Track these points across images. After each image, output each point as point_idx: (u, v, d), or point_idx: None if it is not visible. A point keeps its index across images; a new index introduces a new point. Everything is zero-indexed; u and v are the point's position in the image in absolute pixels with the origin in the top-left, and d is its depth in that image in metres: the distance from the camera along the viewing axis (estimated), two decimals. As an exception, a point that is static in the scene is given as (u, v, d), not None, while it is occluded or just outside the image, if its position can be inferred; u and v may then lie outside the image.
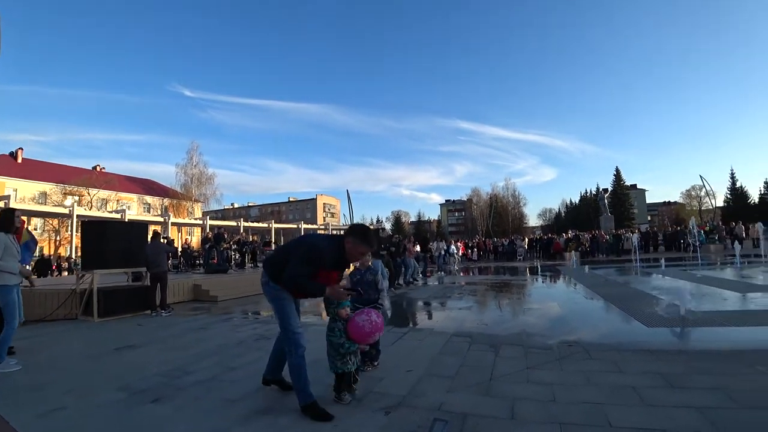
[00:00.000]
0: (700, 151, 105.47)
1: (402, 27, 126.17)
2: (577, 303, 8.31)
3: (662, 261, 13.64)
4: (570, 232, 21.67)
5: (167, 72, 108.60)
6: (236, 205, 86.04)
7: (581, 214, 67.42)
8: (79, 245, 9.99)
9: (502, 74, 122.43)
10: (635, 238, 19.54)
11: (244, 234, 20.67)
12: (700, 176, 37.34)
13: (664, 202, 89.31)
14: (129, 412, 3.15)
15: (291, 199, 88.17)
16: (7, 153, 45.50)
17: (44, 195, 41.25)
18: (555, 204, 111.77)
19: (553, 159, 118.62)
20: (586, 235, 26.72)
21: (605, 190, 59.34)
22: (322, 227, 39.91)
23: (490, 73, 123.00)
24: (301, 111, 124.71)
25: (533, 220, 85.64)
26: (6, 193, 20.81)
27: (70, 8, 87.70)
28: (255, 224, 34.90)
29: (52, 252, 37.59)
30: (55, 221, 37.82)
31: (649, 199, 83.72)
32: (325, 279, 2.99)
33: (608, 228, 29.82)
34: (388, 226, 78.60)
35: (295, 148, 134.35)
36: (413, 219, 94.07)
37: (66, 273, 23.63)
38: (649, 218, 75.03)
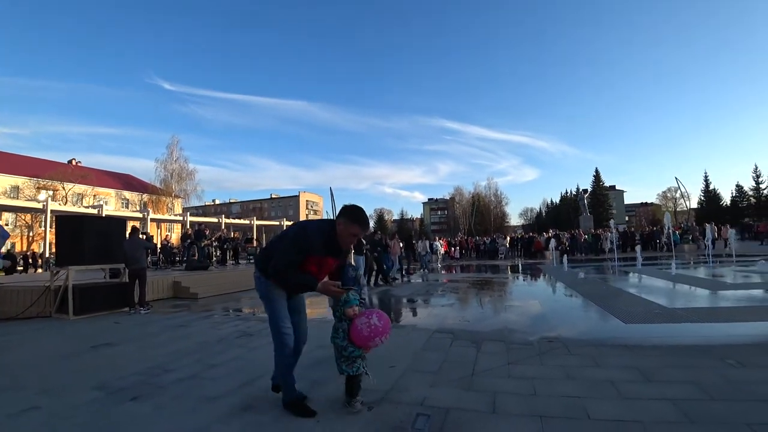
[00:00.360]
0: (676, 154, 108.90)
1: (387, 26, 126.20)
2: (558, 301, 8.47)
3: (639, 260, 13.98)
4: (550, 231, 22.00)
5: (146, 64, 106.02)
6: (217, 202, 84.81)
7: (562, 214, 68.75)
8: (54, 241, 9.70)
9: (487, 76, 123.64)
10: (613, 237, 19.99)
11: (225, 231, 20.37)
12: (676, 178, 38.52)
13: (642, 203, 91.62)
14: (106, 412, 3.08)
15: (273, 196, 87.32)
16: (-23, 145, 43.81)
17: (16, 189, 39.88)
18: (536, 204, 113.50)
19: (535, 160, 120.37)
20: (566, 235, 27.22)
21: (585, 191, 60.57)
22: (305, 224, 39.63)
23: (476, 74, 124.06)
24: (284, 107, 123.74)
25: (515, 220, 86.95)
26: (-25, 187, 20.13)
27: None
28: (236, 221, 34.47)
29: (25, 248, 36.42)
30: (28, 216, 36.62)
31: (628, 200, 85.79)
32: (317, 267, 2.84)
33: (587, 227, 30.41)
34: (371, 223, 78.56)
35: (278, 145, 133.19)
36: (396, 217, 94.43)
37: (40, 270, 22.94)
38: (627, 218, 76.90)
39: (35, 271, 22.88)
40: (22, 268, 24.91)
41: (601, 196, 66.99)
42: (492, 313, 6.96)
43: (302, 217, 73.31)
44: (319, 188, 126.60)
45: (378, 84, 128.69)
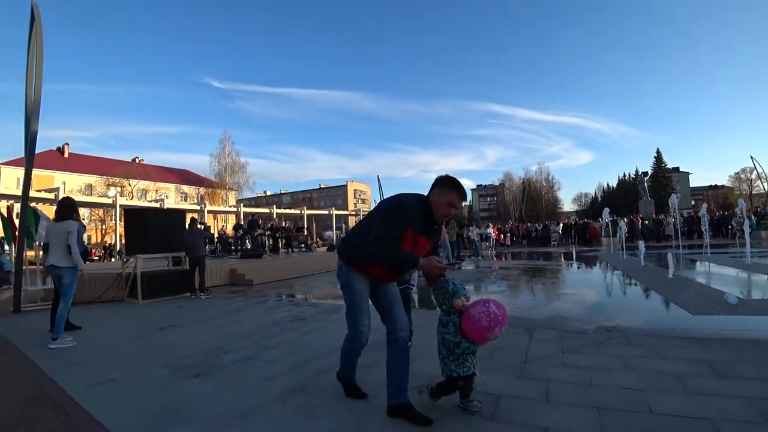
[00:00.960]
0: (751, 131, 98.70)
1: (427, 9, 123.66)
2: (616, 289, 8.08)
3: (707, 247, 12.98)
4: (607, 216, 20.87)
5: (196, 64, 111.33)
6: (269, 193, 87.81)
7: (619, 199, 64.91)
8: (123, 233, 10.51)
9: (534, 55, 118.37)
10: (677, 222, 18.65)
11: (276, 220, 21.09)
12: (751, 158, 34.62)
13: (711, 185, 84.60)
14: (172, 387, 3.31)
15: (322, 186, 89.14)
16: (55, 148, 48.04)
17: (90, 187, 43.44)
18: (591, 188, 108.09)
19: (589, 142, 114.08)
20: (624, 220, 25.75)
21: (645, 174, 56.79)
22: (353, 213, 40.07)
23: (522, 54, 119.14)
24: (327, 98, 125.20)
25: (568, 205, 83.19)
26: (55, 186, 22.10)
27: (98, 10, 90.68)
28: (287, 211, 35.49)
29: (99, 240, 39.78)
30: (101, 211, 39.77)
31: (693, 182, 79.53)
32: (411, 246, 2.51)
33: (648, 213, 28.60)
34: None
35: (324, 135, 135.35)
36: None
37: (113, 259, 24.94)
38: (693, 203, 71.39)
39: (109, 260, 24.89)
40: (98, 258, 27.19)
41: (663, 178, 62.53)
42: (545, 301, 6.75)
43: (351, 207, 74.20)
44: (366, 177, 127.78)
45: (417, 70, 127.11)
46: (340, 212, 38.35)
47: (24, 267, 7.65)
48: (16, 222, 8.10)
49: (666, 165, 65.07)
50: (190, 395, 3.10)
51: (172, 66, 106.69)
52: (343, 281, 2.71)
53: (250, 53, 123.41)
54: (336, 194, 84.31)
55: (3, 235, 10.89)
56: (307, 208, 30.88)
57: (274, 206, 31.89)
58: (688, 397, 2.67)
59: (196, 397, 3.05)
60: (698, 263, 11.43)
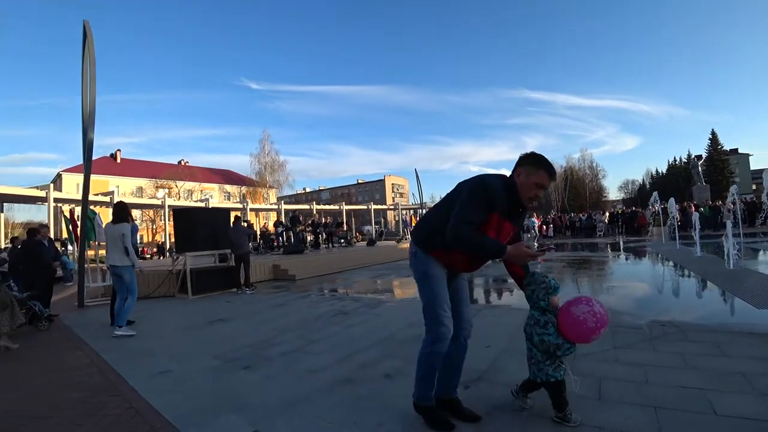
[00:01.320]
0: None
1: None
2: (670, 281, 7.66)
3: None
4: (656, 204, 19.77)
5: (235, 68, 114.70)
6: (308, 190, 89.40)
7: (669, 185, 61.42)
8: (172, 231, 11.05)
9: (571, 36, 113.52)
10: (737, 210, 17.41)
11: (317, 216, 21.49)
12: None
13: (775, 167, 78.41)
14: (225, 377, 3.46)
15: (360, 181, 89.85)
16: (109, 155, 51.12)
17: (140, 189, 45.98)
18: (638, 175, 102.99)
19: (635, 126, 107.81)
20: (676, 207, 24.36)
21: (699, 157, 53.24)
22: (392, 207, 40.16)
23: (559, 36, 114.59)
24: (362, 93, 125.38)
25: (613, 193, 79.55)
26: (110, 189, 23.61)
27: (140, 24, 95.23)
28: (327, 207, 36.15)
29: (150, 239, 42.07)
30: (151, 211, 41.99)
31: (754, 164, 73.89)
32: (495, 233, 2.24)
33: (703, 199, 26.92)
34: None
35: (360, 131, 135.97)
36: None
37: (161, 257, 26.32)
38: (754, 187, 66.42)
39: (161, 258, 26.28)
40: (149, 255, 28.74)
41: (720, 161, 58.43)
42: (593, 294, 6.48)
43: (389, 201, 74.27)
44: (403, 171, 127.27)
45: (452, 59, 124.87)
46: (379, 207, 38.61)
47: (85, 265, 8.19)
48: (78, 224, 8.70)
49: (722, 147, 60.69)
50: (241, 386, 3.22)
51: (211, 72, 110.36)
52: (421, 270, 2.39)
53: (284, 54, 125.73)
54: (374, 189, 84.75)
55: (67, 236, 11.71)
56: (345, 204, 31.28)
57: (314, 202, 32.53)
58: (758, 398, 2.48)
59: (246, 388, 3.17)
60: (762, 253, 10.63)
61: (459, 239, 2.15)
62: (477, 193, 2.18)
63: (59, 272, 12.29)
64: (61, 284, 12.90)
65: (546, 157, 2.31)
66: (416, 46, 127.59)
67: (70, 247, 14.63)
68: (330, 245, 18.29)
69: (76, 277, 10.37)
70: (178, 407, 2.85)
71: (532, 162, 2.27)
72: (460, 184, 2.39)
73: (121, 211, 5.74)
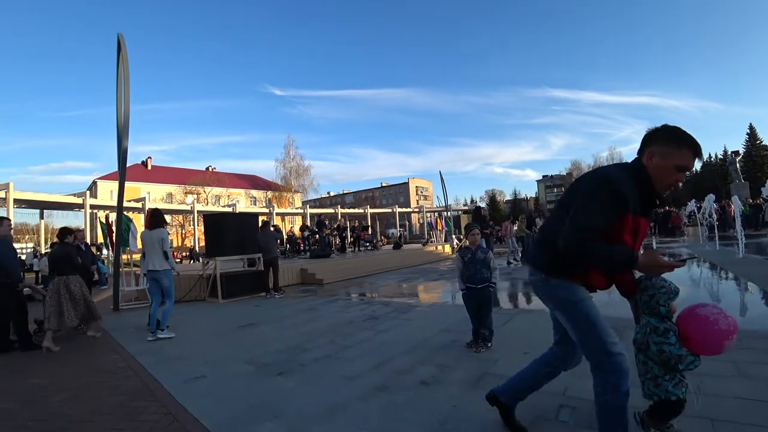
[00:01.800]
0: None
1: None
2: (713, 284, 7.29)
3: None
4: (691, 202, 18.96)
5: (259, 75, 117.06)
6: (332, 194, 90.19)
7: (704, 183, 58.98)
8: (202, 236, 11.28)
9: (595, 32, 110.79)
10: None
11: (342, 220, 21.58)
12: None
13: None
14: (259, 383, 3.43)
15: (383, 185, 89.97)
16: (140, 162, 52.85)
17: (170, 195, 47.26)
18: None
19: (665, 122, 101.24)
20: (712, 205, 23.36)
21: (736, 153, 50.86)
22: (416, 210, 40.00)
23: (582, 33, 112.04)
24: (385, 97, 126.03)
25: (644, 193, 77.02)
26: (142, 196, 24.40)
27: (166, 37, 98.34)
28: (351, 210, 36.28)
29: (179, 243, 43.18)
30: (180, 217, 43.11)
31: (798, 159, 70.19)
32: (631, 236, 1.83)
33: (742, 197, 25.70)
34: (483, 205, 76.77)
35: (383, 134, 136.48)
36: (508, 197, 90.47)
37: (192, 261, 26.93)
38: (796, 184, 63.14)
39: (191, 262, 26.92)
40: (179, 260, 29.49)
41: (759, 157, 55.71)
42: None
43: (413, 204, 73.89)
44: (427, 173, 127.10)
45: (470, 58, 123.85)
46: (403, 210, 38.54)
47: (120, 269, 8.41)
48: (113, 229, 8.96)
49: (762, 142, 57.91)
50: (276, 392, 3.19)
51: (237, 80, 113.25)
52: (560, 298, 1.94)
53: (308, 60, 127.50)
54: (398, 192, 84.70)
55: (103, 241, 12.09)
56: (370, 207, 31.31)
57: (339, 206, 32.71)
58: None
59: (282, 394, 3.13)
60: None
61: (576, 251, 1.73)
62: (598, 192, 1.75)
63: (95, 276, 12.70)
64: (97, 288, 13.34)
65: (683, 128, 1.81)
66: (436, 48, 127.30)
67: (104, 252, 15.12)
68: (356, 249, 18.33)
69: (110, 281, 10.70)
70: (215, 414, 2.83)
71: (672, 138, 1.78)
72: (576, 183, 1.95)
73: (157, 218, 5.89)
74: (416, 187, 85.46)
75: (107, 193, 41.26)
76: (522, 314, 5.52)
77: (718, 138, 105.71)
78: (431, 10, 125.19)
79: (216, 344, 5.03)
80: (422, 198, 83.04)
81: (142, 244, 5.79)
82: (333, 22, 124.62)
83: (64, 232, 6.19)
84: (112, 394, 3.40)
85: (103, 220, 10.45)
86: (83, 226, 17.19)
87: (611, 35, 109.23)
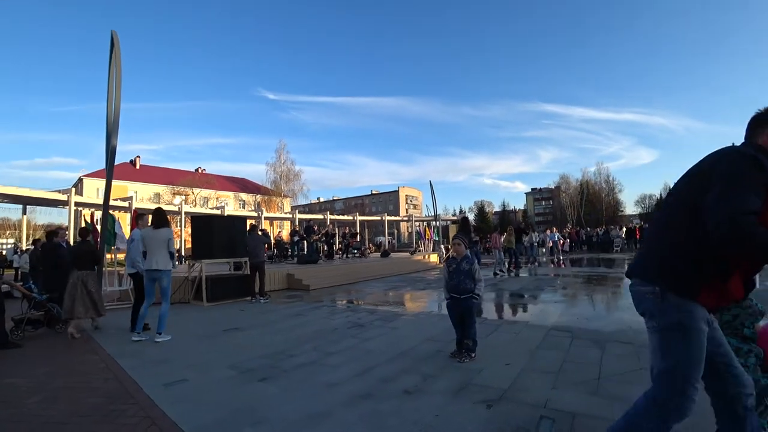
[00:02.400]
0: None
1: (476, 5, 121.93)
2: None
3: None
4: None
5: (252, 78, 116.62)
6: (322, 199, 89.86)
7: (689, 201, 60.10)
8: (188, 238, 11.18)
9: (587, 49, 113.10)
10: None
11: (331, 226, 21.52)
12: None
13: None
14: (242, 388, 3.41)
15: (374, 192, 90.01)
16: (128, 161, 52.20)
17: (158, 195, 46.65)
18: (656, 190, 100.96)
19: (652, 139, 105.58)
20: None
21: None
22: (405, 218, 40.08)
23: (575, 49, 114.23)
24: (378, 105, 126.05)
25: (630, 208, 78.12)
26: (129, 195, 24.07)
27: (160, 35, 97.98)
28: (340, 217, 36.17)
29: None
30: (167, 218, 42.60)
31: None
32: None
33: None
34: (471, 216, 77.12)
35: (375, 142, 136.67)
36: (497, 209, 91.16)
37: (179, 263, 26.58)
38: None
39: (177, 264, 26.53)
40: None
41: (741, 177, 57.08)
42: (612, 312, 6.32)
43: (402, 212, 74.09)
44: (417, 182, 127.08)
45: (466, 71, 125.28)
46: (393, 218, 38.53)
47: (104, 269, 8.27)
48: (98, 228, 8.82)
49: (743, 163, 59.45)
50: (259, 398, 3.17)
51: (229, 81, 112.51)
52: (674, 320, 1.64)
53: (301, 65, 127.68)
54: (388, 200, 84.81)
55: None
56: (359, 214, 31.26)
57: (328, 212, 32.57)
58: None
59: (264, 400, 3.11)
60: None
61: (737, 237, 1.43)
62: (743, 169, 1.51)
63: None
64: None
65: None
66: (432, 58, 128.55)
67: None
68: (346, 256, 18.28)
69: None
70: (196, 419, 2.81)
71: None
72: (698, 168, 1.73)
73: (162, 218, 5.87)
74: (406, 195, 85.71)
75: (93, 191, 40.66)
76: (506, 325, 5.56)
77: (703, 155, 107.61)
78: (429, 20, 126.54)
79: (199, 348, 4.97)
80: (412, 207, 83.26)
81: (145, 244, 5.70)
82: (329, 27, 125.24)
83: (83, 231, 6.47)
84: (89, 396, 3.34)
85: (88, 219, 10.30)
86: (67, 224, 16.87)
87: (602, 53, 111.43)
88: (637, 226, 29.44)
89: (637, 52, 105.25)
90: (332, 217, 29.91)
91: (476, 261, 4.23)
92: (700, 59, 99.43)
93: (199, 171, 56.83)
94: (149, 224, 5.96)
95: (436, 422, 2.60)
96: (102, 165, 8.42)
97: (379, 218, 34.97)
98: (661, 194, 76.20)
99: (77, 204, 20.74)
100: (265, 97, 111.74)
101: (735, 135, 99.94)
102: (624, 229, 28.66)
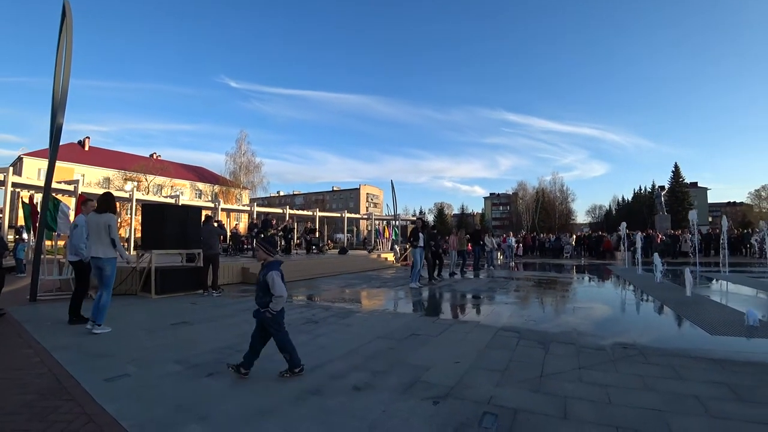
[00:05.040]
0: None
1: (442, 16, 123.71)
2: (631, 305, 7.95)
3: (726, 266, 12.70)
4: (620, 229, 20.50)
5: (214, 63, 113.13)
6: (282, 193, 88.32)
7: (634, 213, 63.91)
8: (139, 227, 10.68)
9: (550, 64, 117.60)
10: (695, 239, 18.28)
11: (290, 221, 21.16)
12: (772, 175, 34.04)
13: (729, 202, 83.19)
14: (187, 384, 3.33)
15: (335, 188, 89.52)
16: (76, 141, 49.06)
17: (107, 180, 44.14)
18: (605, 201, 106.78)
19: (605, 153, 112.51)
20: (639, 234, 25.36)
21: (662, 188, 55.67)
22: (365, 216, 40.10)
23: (537, 63, 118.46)
24: (342, 101, 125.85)
25: (581, 217, 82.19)
26: (75, 178, 22.52)
27: (116, 7, 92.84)
28: (300, 212, 35.61)
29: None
30: (117, 204, 40.41)
31: (712, 198, 78.25)
32: None
33: (664, 228, 28.11)
34: (431, 218, 78.26)
35: (338, 138, 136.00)
36: (456, 211, 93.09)
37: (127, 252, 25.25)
38: (710, 219, 70.05)
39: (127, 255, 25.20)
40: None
41: (681, 193, 61.36)
42: (559, 314, 6.64)
43: (362, 210, 74.03)
44: (378, 181, 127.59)
45: (434, 75, 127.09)
46: (353, 215, 38.38)
47: (42, 256, 7.77)
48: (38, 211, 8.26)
49: (684, 180, 63.92)
50: (204, 394, 3.11)
51: (189, 64, 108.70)
52: None
53: (266, 55, 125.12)
54: (348, 197, 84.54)
55: (24, 224, 11.12)
56: (319, 210, 30.95)
57: (287, 207, 32.00)
58: (710, 421, 2.60)
59: (210, 396, 3.06)
60: (716, 282, 11.17)
61: None
62: None
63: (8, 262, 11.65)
64: (13, 275, 12.23)
65: None
66: (403, 60, 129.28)
67: (26, 236, 13.88)
68: (307, 251, 18.03)
69: (29, 268, 9.84)
70: (136, 415, 2.71)
71: None
72: None
73: (107, 202, 5.50)
74: (367, 193, 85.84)
75: (34, 172, 37.97)
76: (457, 325, 5.72)
77: (649, 173, 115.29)
78: (398, 21, 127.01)
79: (144, 342, 4.78)
80: (372, 205, 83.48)
81: (88, 229, 5.38)
82: (297, 18, 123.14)
83: None
84: (20, 392, 3.14)
85: (27, 201, 9.61)
86: (2, 206, 15.64)
87: (566, 69, 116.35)
88: (587, 234, 30.99)
89: (598, 71, 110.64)
90: (292, 211, 29.43)
91: (279, 274, 3.63)
92: (655, 82, 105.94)
93: (154, 157, 54.28)
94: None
95: (382, 418, 2.66)
96: (45, 144, 7.90)
97: (339, 215, 34.72)
98: (610, 205, 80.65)
99: (15, 185, 19.26)
100: (227, 84, 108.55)
101: (678, 155, 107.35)
102: (574, 237, 30.02)
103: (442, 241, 13.45)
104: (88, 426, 2.55)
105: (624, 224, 19.32)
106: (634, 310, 7.40)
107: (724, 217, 13.69)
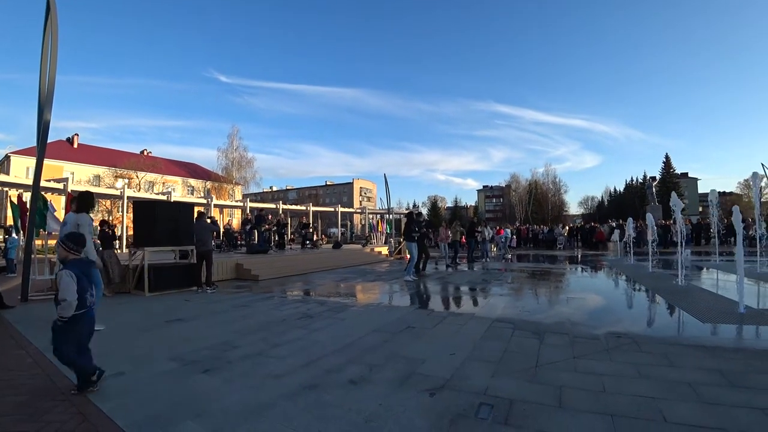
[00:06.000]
0: (764, 137, 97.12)
1: (437, 8, 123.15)
2: (624, 295, 8.03)
3: (716, 255, 12.86)
4: (612, 221, 20.70)
5: (204, 58, 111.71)
6: (275, 188, 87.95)
7: (626, 203, 64.54)
8: (131, 224, 10.59)
9: (542, 57, 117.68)
10: (682, 227, 18.47)
11: (283, 216, 21.09)
12: (762, 165, 34.39)
13: (719, 192, 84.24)
14: (182, 381, 3.31)
15: (328, 183, 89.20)
16: (65, 139, 48.35)
17: (98, 178, 43.63)
18: (597, 192, 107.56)
19: (596, 145, 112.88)
20: (631, 225, 25.56)
21: (653, 178, 56.17)
22: (359, 210, 40.06)
23: (529, 55, 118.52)
24: (334, 95, 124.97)
25: (574, 209, 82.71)
26: (64, 176, 22.20)
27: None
28: (293, 207, 35.53)
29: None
30: (108, 202, 39.98)
31: (702, 188, 78.97)
32: None
33: (656, 218, 28.36)
34: (424, 211, 78.41)
35: (331, 133, 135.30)
36: (449, 204, 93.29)
37: (119, 250, 25.04)
38: (700, 209, 70.84)
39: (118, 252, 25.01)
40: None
41: (672, 184, 61.92)
42: (553, 305, 6.69)
43: (356, 204, 73.98)
44: (371, 175, 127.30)
45: (425, 68, 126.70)
46: (346, 209, 38.36)
47: (32, 256, 7.68)
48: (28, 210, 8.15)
49: (674, 170, 64.61)
50: (200, 390, 3.10)
51: (179, 60, 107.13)
52: None
53: (256, 49, 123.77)
54: (342, 191, 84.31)
55: (13, 223, 10.98)
56: (313, 205, 30.87)
57: (281, 202, 31.86)
58: (703, 407, 2.64)
59: (206, 393, 3.05)
60: (707, 270, 11.32)
61: None
62: None
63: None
64: (3, 275, 12.09)
65: None
66: (394, 54, 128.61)
67: (14, 236, 13.70)
68: (302, 246, 17.98)
69: (19, 267, 9.73)
70: (132, 413, 2.70)
71: None
72: None
73: (84, 201, 5.36)
74: (360, 188, 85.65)
75: (22, 170, 37.36)
76: (452, 317, 5.74)
77: (640, 163, 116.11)
78: (390, 14, 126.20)
79: (139, 340, 4.76)
80: (366, 199, 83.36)
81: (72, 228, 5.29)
82: (287, 11, 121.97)
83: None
84: (13, 393, 3.11)
85: (15, 200, 9.48)
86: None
87: (556, 59, 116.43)
88: (580, 225, 31.21)
89: (588, 63, 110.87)
90: (285, 206, 29.33)
91: (72, 276, 3.07)
92: (647, 74, 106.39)
93: (145, 153, 53.69)
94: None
95: (379, 410, 2.67)
96: (33, 142, 7.78)
97: (332, 209, 34.67)
98: (602, 196, 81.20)
99: (3, 183, 19.01)
100: (217, 79, 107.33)
101: (669, 146, 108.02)
102: (567, 228, 30.22)
103: (432, 234, 13.53)
104: (83, 425, 2.53)
105: (617, 232, 19.36)
106: (627, 299, 7.47)
107: (711, 201, 13.62)
